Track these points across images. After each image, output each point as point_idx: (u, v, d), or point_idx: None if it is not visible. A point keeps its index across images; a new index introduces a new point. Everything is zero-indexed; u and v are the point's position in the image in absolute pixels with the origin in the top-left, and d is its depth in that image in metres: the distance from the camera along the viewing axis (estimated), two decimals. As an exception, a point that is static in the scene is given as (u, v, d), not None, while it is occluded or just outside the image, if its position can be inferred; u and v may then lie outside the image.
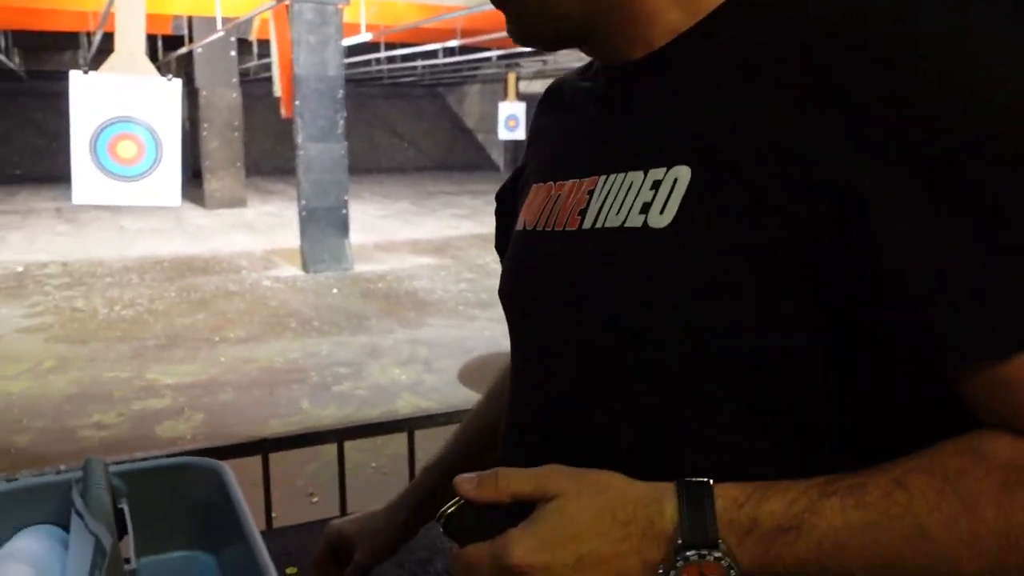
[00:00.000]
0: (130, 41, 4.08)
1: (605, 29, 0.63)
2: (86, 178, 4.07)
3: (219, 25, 8.16)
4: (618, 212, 0.60)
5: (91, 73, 4.04)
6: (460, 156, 21.76)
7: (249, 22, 9.64)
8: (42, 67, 16.01)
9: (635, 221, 0.58)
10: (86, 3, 8.90)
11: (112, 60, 4.08)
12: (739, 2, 0.61)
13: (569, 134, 0.74)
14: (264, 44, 10.71)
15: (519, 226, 0.74)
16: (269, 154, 18.63)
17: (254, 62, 13.15)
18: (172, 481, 1.02)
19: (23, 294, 6.89)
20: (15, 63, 14.00)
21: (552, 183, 0.71)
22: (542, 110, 0.84)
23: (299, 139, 7.61)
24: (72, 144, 4.00)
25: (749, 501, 0.49)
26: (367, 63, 14.39)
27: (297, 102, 7.57)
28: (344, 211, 7.90)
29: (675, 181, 0.56)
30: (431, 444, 1.03)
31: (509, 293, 0.74)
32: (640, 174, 0.59)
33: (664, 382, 0.56)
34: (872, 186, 0.48)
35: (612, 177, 0.62)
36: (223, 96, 12.48)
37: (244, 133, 13.36)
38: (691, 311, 0.54)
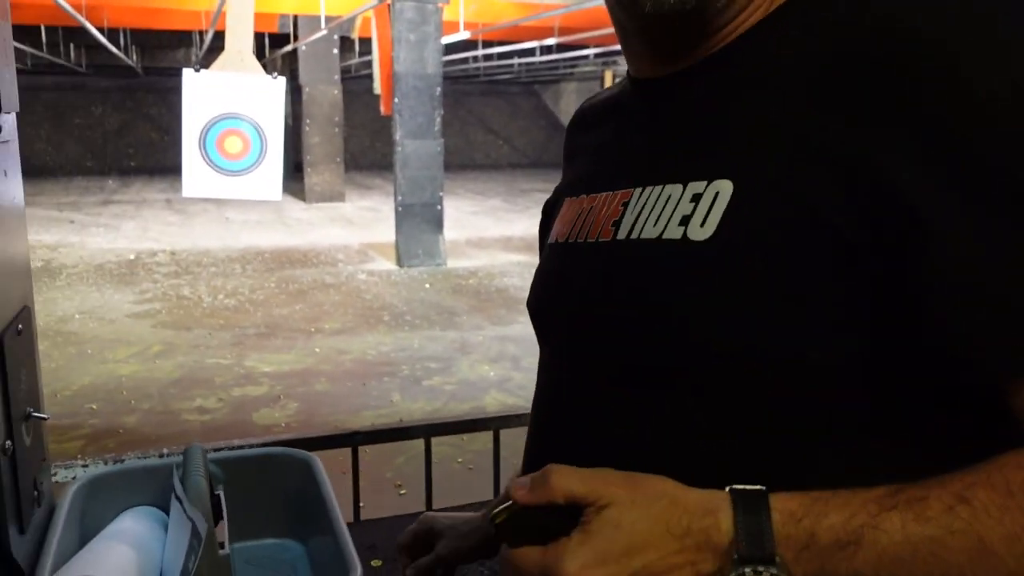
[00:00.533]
0: (239, 40, 4.23)
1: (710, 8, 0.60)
2: (195, 172, 4.25)
3: (323, 24, 8.39)
4: (655, 224, 0.59)
5: (202, 71, 4.22)
6: (554, 154, 21.73)
7: (352, 20, 9.87)
8: (157, 64, 16.79)
9: (674, 233, 0.57)
10: (199, 3, 9.28)
11: (222, 59, 4.24)
12: (782, 11, 0.61)
13: (602, 148, 0.74)
14: (365, 42, 10.94)
15: (551, 239, 0.75)
16: (368, 150, 19.06)
17: (355, 59, 13.46)
18: (266, 470, 1.05)
19: (134, 281, 7.24)
20: (133, 60, 14.70)
21: (584, 196, 0.71)
22: (573, 132, 0.85)
23: (397, 136, 7.75)
24: (183, 139, 4.18)
25: (808, 515, 0.48)
26: (464, 61, 14.55)
27: (396, 99, 7.71)
28: (439, 207, 8.01)
29: (716, 195, 0.56)
30: (516, 441, 1.04)
31: (540, 305, 0.74)
32: (678, 187, 0.59)
33: (708, 393, 0.56)
34: (925, 200, 0.47)
35: (648, 189, 0.62)
36: (325, 93, 12.82)
37: (344, 129, 13.70)
38: (732, 323, 0.53)
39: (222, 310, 6.23)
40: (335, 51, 12.65)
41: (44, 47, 13.04)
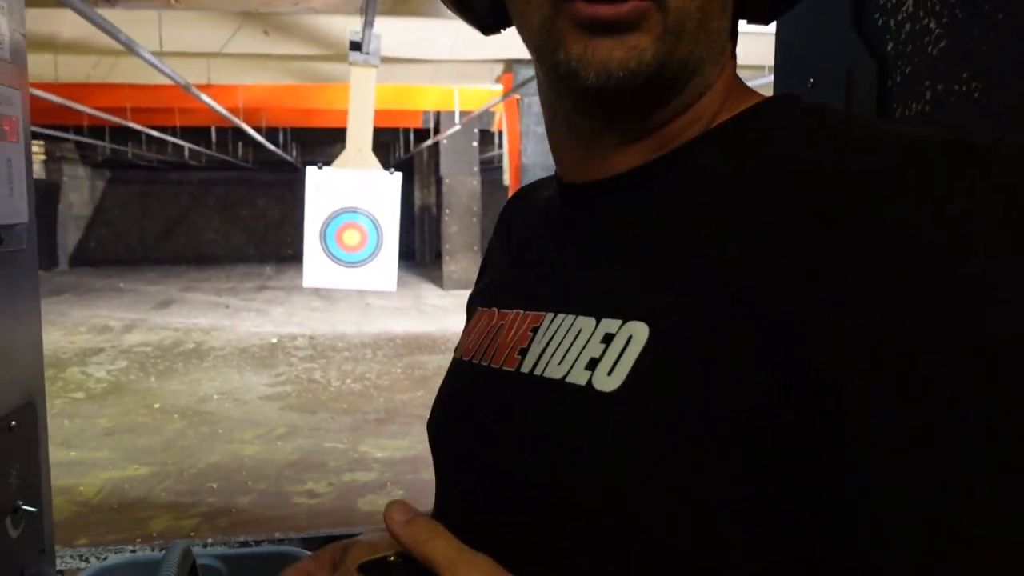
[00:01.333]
0: (359, 138, 4.49)
1: (662, 94, 0.54)
2: (315, 264, 4.48)
3: (457, 119, 8.76)
4: (560, 361, 0.53)
5: (325, 168, 4.48)
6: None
7: (491, 115, 10.26)
8: (315, 158, 17.92)
9: (579, 377, 0.51)
10: (348, 103, 9.91)
11: (343, 156, 4.50)
12: (730, 129, 0.56)
13: (522, 254, 0.69)
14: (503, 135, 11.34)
15: (457, 353, 0.68)
16: (508, 237, 19.48)
17: (495, 151, 13.92)
18: (273, 569, 1.06)
19: (273, 364, 7.61)
20: (292, 155, 15.80)
21: (496, 309, 0.64)
22: (499, 228, 0.79)
23: (523, 225, 7.90)
24: (305, 232, 4.43)
25: None
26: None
27: (523, 190, 7.89)
28: (563, 295, 8.04)
29: (629, 339, 0.49)
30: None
31: (436, 427, 0.67)
32: (591, 321, 0.53)
33: (595, 553, 0.49)
34: (852, 382, 0.42)
35: (560, 318, 0.56)
36: (464, 183, 13.28)
37: (485, 217, 14.10)
38: (631, 483, 0.47)
39: (347, 394, 6.43)
40: (474, 144, 13.14)
41: (214, 146, 14.27)
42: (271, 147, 11.57)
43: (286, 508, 4.07)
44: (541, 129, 7.88)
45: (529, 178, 7.80)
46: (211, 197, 20.01)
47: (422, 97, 9.39)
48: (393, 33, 5.38)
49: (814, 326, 0.43)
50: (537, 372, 0.55)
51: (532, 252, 0.66)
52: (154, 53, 4.80)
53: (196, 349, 8.32)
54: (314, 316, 10.63)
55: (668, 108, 0.55)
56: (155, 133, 10.90)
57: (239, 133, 14.18)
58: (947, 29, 0.89)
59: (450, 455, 0.63)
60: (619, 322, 0.51)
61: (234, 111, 8.24)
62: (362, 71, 4.35)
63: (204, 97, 6.24)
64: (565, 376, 0.52)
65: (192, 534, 3.74)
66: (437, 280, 13.90)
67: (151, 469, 4.62)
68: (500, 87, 7.80)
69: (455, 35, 6.14)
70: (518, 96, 7.72)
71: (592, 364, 0.51)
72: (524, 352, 0.57)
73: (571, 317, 0.55)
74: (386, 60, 5.00)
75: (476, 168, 13.33)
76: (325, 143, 17.64)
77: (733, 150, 0.54)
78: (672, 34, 0.50)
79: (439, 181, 14.06)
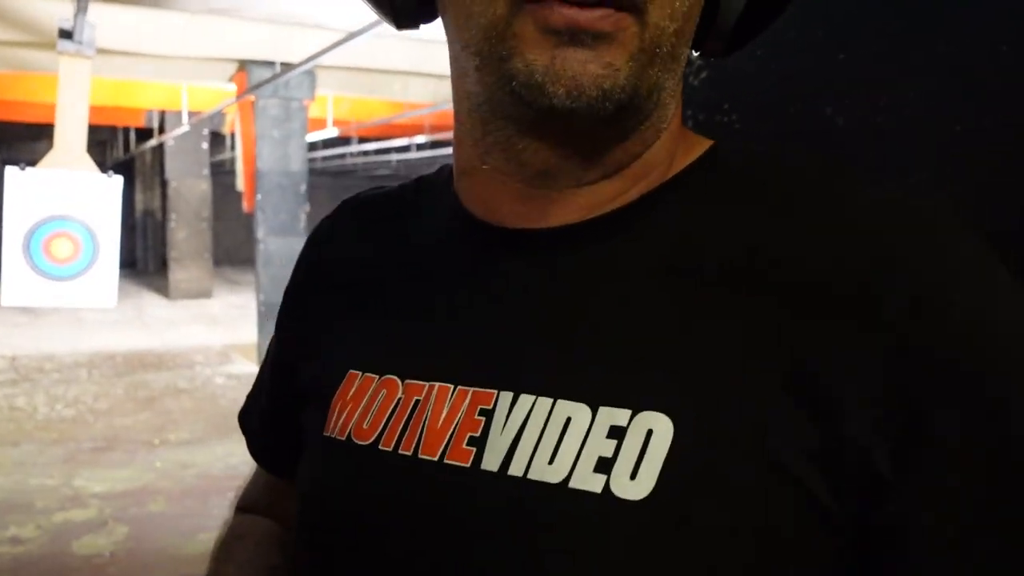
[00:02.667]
0: (71, 136, 4.01)
1: (634, 118, 0.46)
2: (17, 278, 3.94)
3: (185, 119, 8.19)
4: (552, 461, 0.42)
5: (28, 168, 3.96)
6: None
7: (222, 116, 9.70)
8: (16, 156, 16.05)
9: (588, 483, 0.41)
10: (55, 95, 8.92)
11: (51, 156, 4.00)
12: (697, 178, 0.49)
13: (403, 302, 0.54)
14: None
15: (331, 429, 0.53)
16: (243, 244, 18.59)
17: (228, 154, 13.21)
18: None
19: (-36, 390, 6.65)
20: (-13, 152, 13.99)
21: (398, 379, 0.51)
22: (323, 257, 0.63)
23: (259, 233, 7.53)
24: (3, 243, 3.88)
25: None
26: (342, 156, 14.52)
27: (259, 196, 7.52)
28: (304, 306, 7.77)
29: (649, 434, 0.41)
30: None
31: (327, 537, 0.51)
32: (583, 409, 0.43)
33: None
34: (898, 469, 0.39)
35: (526, 400, 0.45)
36: (192, 187, 12.47)
37: (216, 223, 13.34)
38: None
39: (58, 422, 5.75)
40: (204, 146, 12.38)
41: None
42: (-40, 141, 10.14)
43: (-18, 560, 3.53)
44: (277, 133, 7.57)
45: (265, 184, 7.46)
46: None
47: (145, 94, 8.65)
48: (111, 23, 4.89)
49: (861, 396, 0.40)
50: (514, 473, 0.43)
51: (429, 303, 0.53)
52: None
53: None
54: (16, 333, 9.44)
55: (629, 144, 0.47)
56: None
57: (-82, 124, 12.31)
58: (707, 61, 0.91)
59: (357, 558, 0.49)
60: (626, 412, 0.42)
61: (-89, 99, 7.12)
62: (74, 62, 3.88)
63: None
64: (566, 480, 0.42)
65: None
66: (162, 289, 12.91)
67: None
68: (234, 87, 7.38)
69: (183, 29, 5.70)
70: (253, 97, 7.35)
71: (604, 466, 0.41)
72: (480, 443, 0.45)
73: (546, 401, 0.44)
74: (103, 52, 4.53)
75: (206, 171, 12.57)
76: (28, 139, 15.81)
77: (715, 204, 0.47)
78: (646, 53, 0.42)
79: (164, 184, 13.09)
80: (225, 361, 7.97)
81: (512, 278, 0.49)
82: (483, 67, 0.44)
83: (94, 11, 3.82)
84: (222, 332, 9.68)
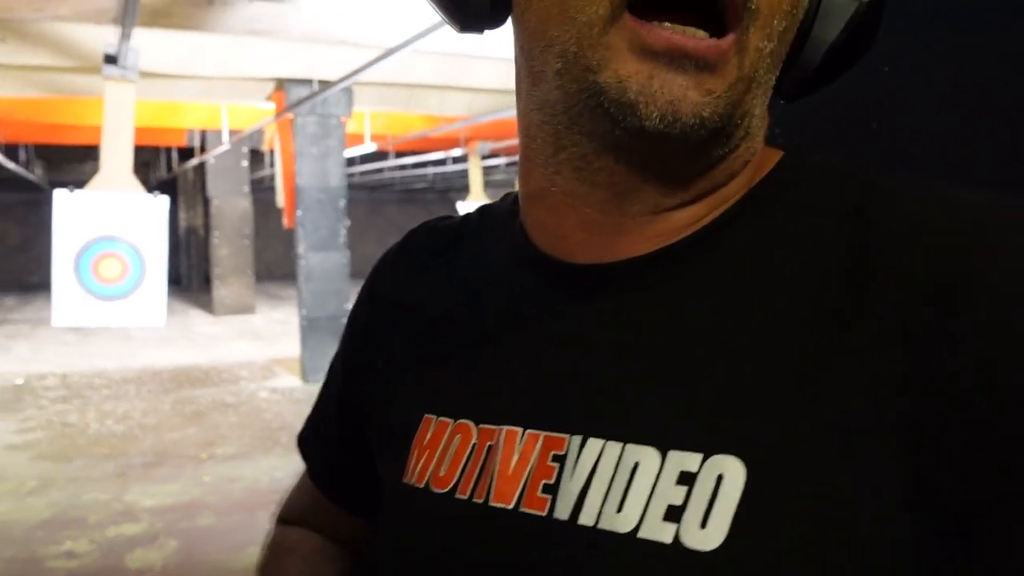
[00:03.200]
0: (117, 158, 4.11)
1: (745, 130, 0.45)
2: (68, 299, 4.04)
3: (225, 138, 8.32)
4: (620, 508, 0.41)
5: (76, 191, 4.06)
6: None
7: (261, 134, 9.85)
8: (64, 177, 16.43)
9: (658, 532, 0.40)
10: (100, 118, 9.13)
11: (99, 178, 4.10)
12: (773, 198, 0.46)
13: (490, 339, 0.52)
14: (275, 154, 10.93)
15: (410, 476, 0.52)
16: (282, 260, 18.83)
17: (267, 171, 13.41)
18: None
19: (18, 407, 6.80)
20: (36, 174, 14.34)
21: (472, 423, 0.49)
22: (390, 291, 0.62)
23: (300, 249, 7.63)
24: (53, 265, 3.99)
25: None
26: (380, 171, 14.65)
27: (299, 212, 7.62)
28: (344, 320, 7.84)
29: (719, 479, 0.39)
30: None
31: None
32: (651, 453, 0.41)
33: None
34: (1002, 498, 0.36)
35: (595, 445, 0.43)
36: (234, 205, 12.67)
37: (257, 240, 13.53)
38: None
39: (109, 437, 5.86)
40: (244, 163, 12.58)
41: (-61, 164, 12.64)
42: (10, 165, 10.42)
43: (39, 575, 3.61)
44: (315, 149, 7.67)
45: (305, 200, 7.55)
46: (-64, 220, 17.75)
47: (187, 114, 8.82)
48: (153, 47, 5.00)
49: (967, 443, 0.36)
50: (585, 522, 0.42)
51: (497, 344, 0.51)
52: None
53: (-79, 396, 7.28)
54: (66, 351, 9.66)
55: (715, 172, 0.45)
56: None
57: (-30, 149, 12.69)
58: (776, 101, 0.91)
59: None
60: (698, 456, 0.40)
61: (-37, 126, 7.33)
62: (118, 87, 3.99)
63: (-75, 110, 5.49)
64: (636, 530, 0.40)
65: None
66: (206, 306, 13.12)
67: None
68: (272, 105, 7.50)
69: (222, 51, 5.82)
70: (291, 115, 7.46)
71: (674, 514, 0.40)
72: (552, 490, 0.44)
73: (615, 445, 0.42)
74: (146, 75, 4.64)
75: (247, 188, 12.76)
76: (75, 160, 16.19)
77: (789, 223, 0.45)
78: (744, 81, 0.41)
79: (207, 202, 13.32)
80: (269, 376, 8.07)
81: (579, 319, 0.48)
82: (566, 72, 0.42)
83: (137, 36, 3.91)
84: (265, 347, 9.81)
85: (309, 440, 0.74)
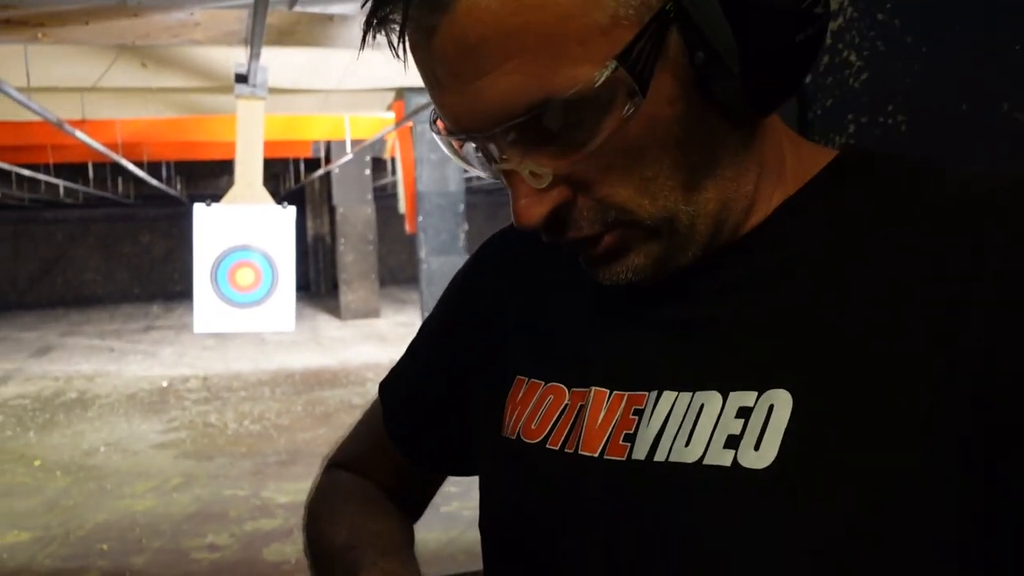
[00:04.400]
0: (249, 172, 4.33)
1: (720, 226, 0.52)
2: (207, 307, 4.29)
3: (348, 148, 8.61)
4: (688, 443, 0.48)
5: (213, 205, 4.30)
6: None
7: (383, 142, 10.14)
8: (202, 191, 17.40)
9: (720, 458, 0.46)
10: (233, 134, 9.63)
11: (232, 192, 4.33)
12: (849, 169, 0.53)
13: (575, 323, 0.60)
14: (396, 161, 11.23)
15: (508, 430, 0.60)
16: (406, 264, 19.31)
17: (389, 178, 13.79)
18: None
19: (164, 409, 7.25)
20: (177, 190, 15.25)
21: (560, 385, 0.58)
22: (497, 269, 0.69)
23: (422, 253, 7.81)
24: (195, 275, 4.24)
25: None
26: (495, 174, 14.80)
27: (420, 218, 7.80)
28: (465, 322, 7.97)
29: (771, 409, 0.46)
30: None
31: (518, 524, 0.58)
32: (715, 396, 0.48)
33: None
34: None
35: (669, 396, 0.51)
36: (358, 212, 13.09)
37: (382, 245, 13.94)
38: (801, 568, 0.43)
39: (246, 437, 6.17)
40: (367, 172, 12.98)
41: (91, 183, 13.61)
42: (154, 182, 11.13)
43: (186, 565, 3.84)
44: (435, 156, 7.84)
45: (426, 205, 7.73)
46: (90, 235, 19.07)
47: (312, 127, 9.20)
48: (280, 64, 5.24)
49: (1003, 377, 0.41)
50: (658, 458, 0.49)
51: (594, 324, 0.58)
52: (20, 89, 4.52)
53: (79, 398, 7.85)
54: (206, 355, 10.22)
55: (715, 237, 0.52)
56: (26, 172, 10.30)
57: (119, 168, 13.60)
58: (868, 62, 0.87)
59: (551, 556, 0.55)
60: (754, 394, 0.47)
61: (112, 146, 7.87)
62: (249, 104, 4.20)
63: (78, 133, 5.93)
64: (701, 459, 0.47)
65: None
66: (334, 311, 13.61)
67: (33, 534, 4.29)
68: (392, 115, 7.71)
69: (343, 64, 6.03)
70: (411, 123, 7.65)
71: (733, 442, 0.46)
72: (631, 438, 0.52)
73: (686, 395, 0.50)
74: (273, 91, 4.86)
75: (370, 196, 13.17)
76: (211, 175, 17.11)
77: (840, 210, 0.51)
78: (653, 231, 0.50)
79: (332, 210, 13.83)
80: (393, 377, 8.30)
81: (642, 298, 0.55)
82: None
83: (264, 54, 4.10)
84: (390, 349, 10.08)
85: (391, 389, 0.78)
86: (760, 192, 0.53)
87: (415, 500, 0.81)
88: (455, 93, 0.46)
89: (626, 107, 0.44)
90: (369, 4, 0.46)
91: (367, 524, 0.72)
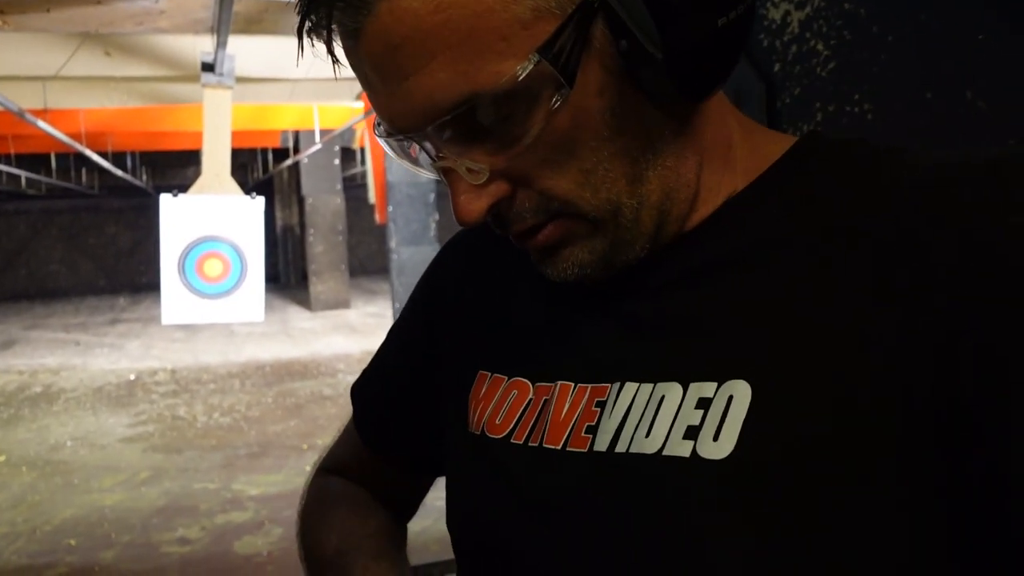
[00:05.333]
0: (216, 163, 4.27)
1: (665, 216, 0.52)
2: (175, 299, 4.22)
3: (317, 138, 8.54)
4: (648, 434, 0.48)
5: (180, 195, 4.24)
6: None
7: (353, 131, 10.07)
8: (169, 182, 17.17)
9: (679, 449, 0.47)
10: (200, 124, 9.49)
11: (200, 182, 4.27)
12: (805, 155, 0.53)
13: (526, 315, 0.61)
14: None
15: (473, 425, 0.61)
16: (376, 255, 19.23)
17: (359, 168, 13.70)
18: None
19: (131, 402, 7.16)
20: (143, 180, 15.03)
21: (527, 380, 0.58)
22: (459, 268, 0.70)
23: (392, 243, 7.77)
24: (162, 266, 4.17)
25: None
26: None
27: (390, 208, 7.77)
28: (437, 312, 7.95)
29: (730, 400, 0.46)
30: None
31: (479, 519, 0.59)
32: (675, 387, 0.49)
33: None
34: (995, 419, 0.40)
35: (631, 387, 0.51)
36: (327, 203, 13.00)
37: (351, 235, 13.86)
38: (760, 559, 0.43)
39: (216, 429, 6.12)
40: (336, 162, 12.89)
41: (54, 173, 13.38)
42: (119, 172, 10.95)
43: (156, 560, 3.80)
44: (405, 146, 7.80)
45: (396, 195, 7.68)
46: (54, 226, 18.77)
47: (280, 116, 9.09)
48: (247, 52, 5.17)
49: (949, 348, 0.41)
50: (619, 450, 0.50)
51: (554, 318, 0.59)
52: (-20, 77, 4.42)
53: (44, 392, 7.74)
54: (175, 348, 10.11)
55: (667, 230, 0.53)
56: (-14, 162, 10.10)
57: (83, 159, 13.38)
58: (835, 51, 0.88)
59: (519, 549, 0.55)
60: (714, 384, 0.47)
61: (75, 136, 7.73)
62: (216, 93, 4.14)
63: (40, 123, 5.82)
64: (661, 450, 0.48)
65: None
66: (304, 302, 13.52)
67: (-1, 530, 4.23)
68: (361, 104, 7.65)
69: (311, 53, 5.96)
70: (380, 113, 7.60)
71: (692, 432, 0.47)
72: (593, 430, 0.52)
73: (647, 386, 0.50)
74: (240, 80, 4.80)
75: (339, 186, 13.08)
76: (178, 165, 16.90)
77: (799, 197, 0.51)
78: (597, 224, 0.49)
79: (301, 200, 13.71)
80: (365, 368, 8.27)
81: (601, 292, 0.56)
82: None
83: (232, 43, 4.05)
84: (361, 340, 10.05)
85: (361, 390, 0.78)
86: (705, 181, 0.53)
87: (405, 501, 0.81)
88: (387, 94, 0.46)
89: (554, 99, 0.45)
90: (300, 12, 0.46)
91: (357, 528, 0.72)
